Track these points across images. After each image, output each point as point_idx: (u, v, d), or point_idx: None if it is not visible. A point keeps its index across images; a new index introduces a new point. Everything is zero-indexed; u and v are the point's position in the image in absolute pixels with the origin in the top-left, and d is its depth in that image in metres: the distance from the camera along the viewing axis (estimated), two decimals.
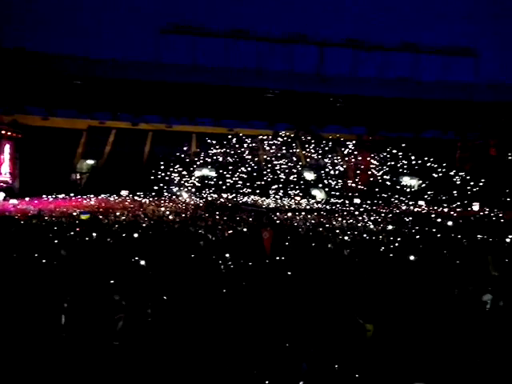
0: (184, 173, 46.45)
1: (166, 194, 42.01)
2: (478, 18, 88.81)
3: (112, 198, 37.75)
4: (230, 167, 48.50)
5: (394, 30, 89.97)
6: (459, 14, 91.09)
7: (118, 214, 24.76)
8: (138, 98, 46.83)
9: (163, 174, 45.25)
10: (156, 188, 42.29)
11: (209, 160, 49.62)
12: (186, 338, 7.35)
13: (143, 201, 36.23)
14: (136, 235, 16.38)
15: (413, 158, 51.38)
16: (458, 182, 47.88)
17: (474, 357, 6.62)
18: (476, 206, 40.75)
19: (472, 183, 46.73)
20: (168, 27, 47.62)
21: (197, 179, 46.30)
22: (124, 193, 41.00)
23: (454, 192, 44.99)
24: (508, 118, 45.78)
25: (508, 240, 18.35)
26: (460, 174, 49.23)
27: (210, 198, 40.41)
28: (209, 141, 51.72)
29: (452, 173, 49.41)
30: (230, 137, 53.06)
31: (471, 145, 51.78)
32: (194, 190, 44.12)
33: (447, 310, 8.77)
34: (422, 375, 5.61)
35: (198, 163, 49.01)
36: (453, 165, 50.47)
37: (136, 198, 38.33)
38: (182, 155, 49.56)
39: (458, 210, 38.96)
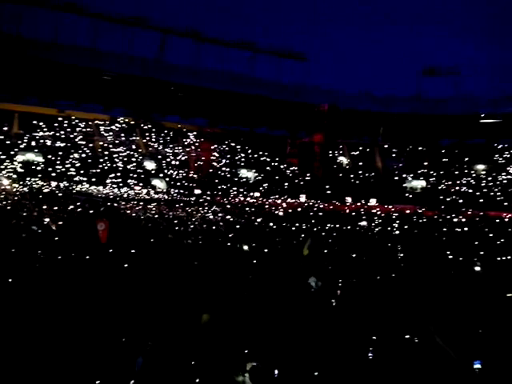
0: (3, 157, 40.73)
1: None
2: (312, 23, 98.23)
3: None
4: (61, 152, 44.23)
5: (235, 27, 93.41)
6: (296, 17, 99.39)
7: None
8: None
9: None
10: None
11: (34, 143, 44.38)
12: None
13: None
14: None
15: (249, 151, 54.40)
16: (288, 176, 52.51)
17: (309, 335, 7.23)
18: (303, 198, 45.30)
19: (299, 177, 51.80)
20: None
21: (19, 164, 41.05)
22: None
23: (285, 184, 49.26)
24: (329, 119, 51.89)
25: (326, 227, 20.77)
26: (290, 168, 54.06)
27: (35, 186, 36.29)
28: (35, 122, 46.21)
29: (283, 167, 53.96)
30: (60, 119, 48.33)
31: (299, 142, 57.25)
32: (15, 176, 39.03)
33: (281, 293, 9.45)
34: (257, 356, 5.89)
35: (20, 146, 43.41)
36: (283, 159, 55.18)
37: None
38: (1, 137, 43.33)
39: (287, 200, 42.67)
